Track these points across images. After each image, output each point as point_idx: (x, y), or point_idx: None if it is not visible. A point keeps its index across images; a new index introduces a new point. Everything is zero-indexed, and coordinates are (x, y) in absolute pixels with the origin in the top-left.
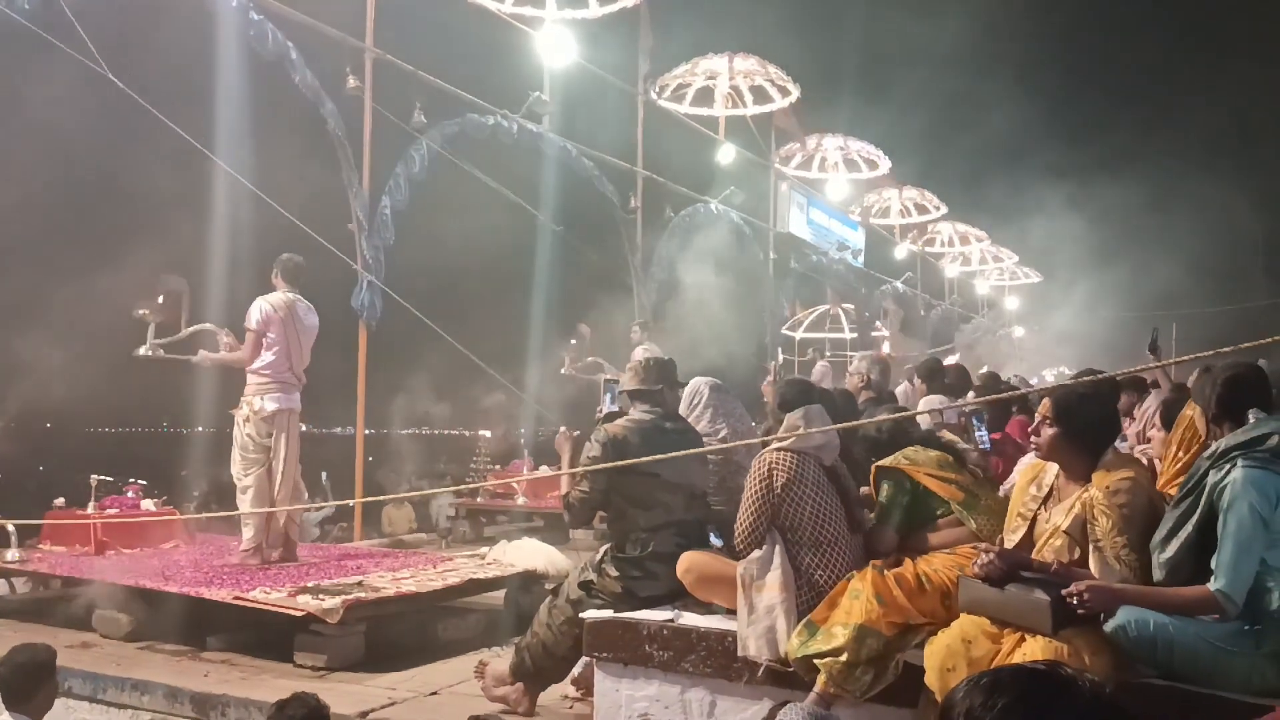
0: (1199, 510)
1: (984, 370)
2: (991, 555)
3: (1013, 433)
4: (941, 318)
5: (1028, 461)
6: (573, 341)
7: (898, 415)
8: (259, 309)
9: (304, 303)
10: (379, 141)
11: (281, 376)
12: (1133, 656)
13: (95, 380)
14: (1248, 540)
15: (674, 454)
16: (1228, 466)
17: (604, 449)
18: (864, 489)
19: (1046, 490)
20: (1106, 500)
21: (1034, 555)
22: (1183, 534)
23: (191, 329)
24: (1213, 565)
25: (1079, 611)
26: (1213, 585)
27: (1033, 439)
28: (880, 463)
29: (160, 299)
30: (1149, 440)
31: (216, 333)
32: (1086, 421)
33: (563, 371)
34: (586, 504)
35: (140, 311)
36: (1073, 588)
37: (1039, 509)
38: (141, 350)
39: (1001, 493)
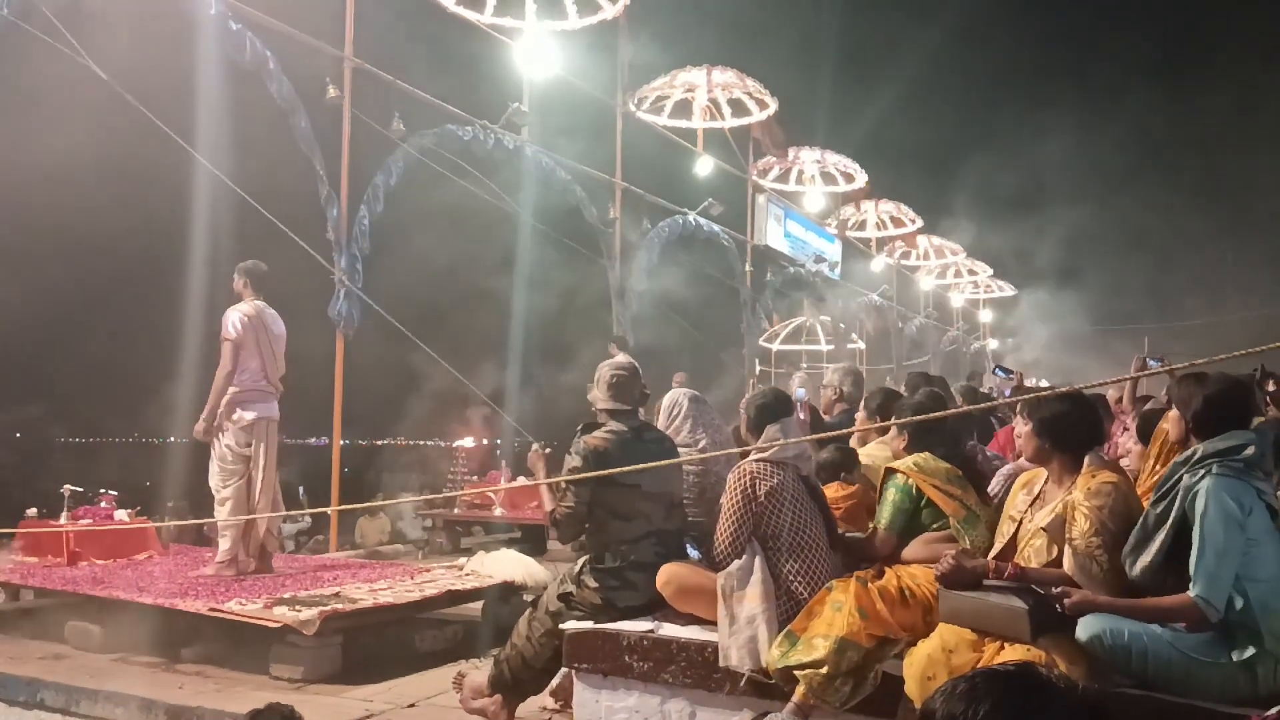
0: (1173, 514)
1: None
2: (950, 559)
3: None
4: (918, 330)
5: (1005, 472)
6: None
7: (926, 417)
8: (236, 319)
9: (270, 310)
10: (358, 151)
11: (258, 386)
12: (1108, 665)
13: (68, 390)
14: (1224, 546)
15: (655, 464)
16: (1201, 472)
17: (585, 461)
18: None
19: (1036, 494)
20: (1087, 502)
21: (1016, 556)
22: (1159, 538)
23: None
24: (1191, 572)
25: (1060, 615)
26: (1192, 591)
27: (1017, 442)
28: (891, 464)
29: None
30: (1128, 452)
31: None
32: (1067, 428)
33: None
34: (573, 518)
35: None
36: (1060, 590)
37: (1026, 512)
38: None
39: None
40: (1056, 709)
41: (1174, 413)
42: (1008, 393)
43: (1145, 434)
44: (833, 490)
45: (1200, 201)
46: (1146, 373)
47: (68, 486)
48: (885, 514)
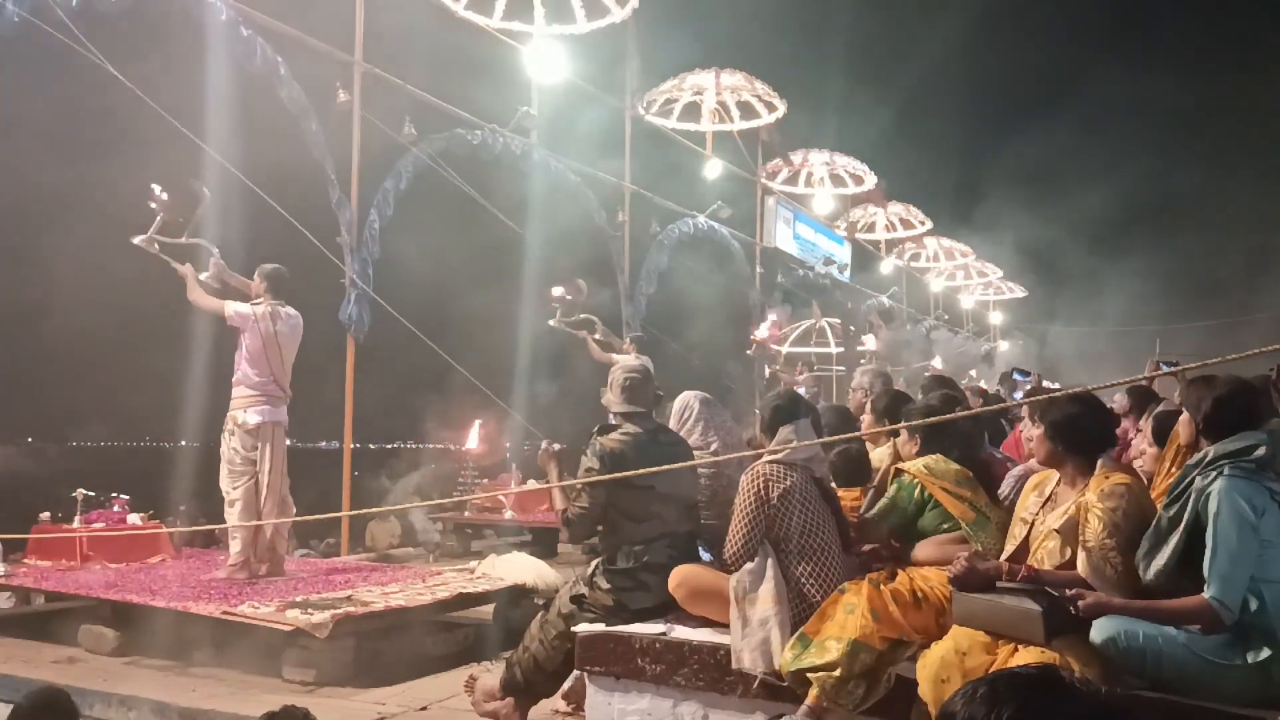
0: (1186, 516)
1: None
2: (963, 561)
3: (1008, 449)
4: (928, 332)
5: (1016, 474)
6: (564, 294)
7: (948, 417)
8: (243, 309)
9: (285, 310)
10: (368, 155)
11: (265, 389)
12: (1122, 667)
13: (79, 394)
14: (1238, 547)
15: (669, 466)
16: (1214, 474)
17: (601, 462)
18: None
19: (1047, 496)
20: (1100, 503)
21: (1029, 558)
22: (1172, 541)
23: (192, 240)
24: (1205, 574)
25: (1074, 617)
26: (1207, 593)
27: (1028, 445)
28: (901, 464)
29: (174, 196)
30: (1142, 454)
31: (211, 254)
32: (1079, 430)
33: (550, 323)
34: (586, 519)
35: (153, 203)
36: (1074, 592)
37: (1038, 513)
38: (139, 239)
39: None
40: (1079, 713)
41: (1185, 415)
42: (1018, 395)
43: (1160, 436)
44: (853, 494)
45: (1214, 201)
46: (1157, 374)
47: (80, 490)
48: (880, 506)
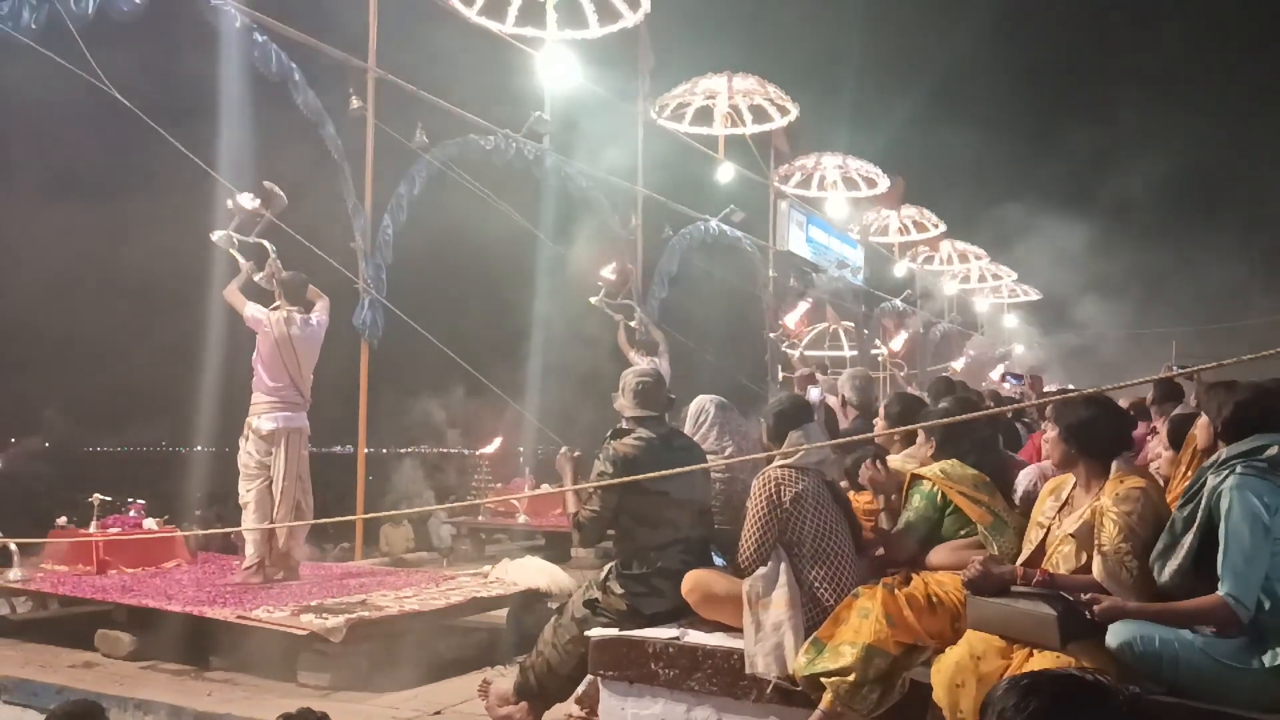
0: (1200, 517)
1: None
2: (977, 565)
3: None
4: (942, 335)
5: (1028, 473)
6: (610, 274)
7: (963, 417)
8: (258, 313)
9: (301, 315)
10: (381, 162)
11: (282, 395)
12: (1138, 672)
13: (95, 399)
14: (1251, 544)
15: (682, 469)
16: (1225, 473)
17: (614, 467)
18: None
19: (1064, 500)
20: (1115, 508)
21: (1044, 562)
22: (1186, 541)
23: (258, 240)
24: (1219, 573)
25: (1089, 621)
26: (1222, 590)
27: (1045, 447)
28: (917, 470)
29: (255, 199)
30: (1158, 458)
31: (270, 253)
32: (1094, 433)
33: (592, 300)
34: (597, 523)
35: (230, 202)
36: (1089, 596)
37: (1054, 518)
38: (217, 235)
39: None
40: (1110, 713)
41: (1203, 419)
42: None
43: (1176, 440)
44: (866, 498)
45: (1231, 201)
46: (1171, 375)
47: (97, 495)
48: (906, 519)
